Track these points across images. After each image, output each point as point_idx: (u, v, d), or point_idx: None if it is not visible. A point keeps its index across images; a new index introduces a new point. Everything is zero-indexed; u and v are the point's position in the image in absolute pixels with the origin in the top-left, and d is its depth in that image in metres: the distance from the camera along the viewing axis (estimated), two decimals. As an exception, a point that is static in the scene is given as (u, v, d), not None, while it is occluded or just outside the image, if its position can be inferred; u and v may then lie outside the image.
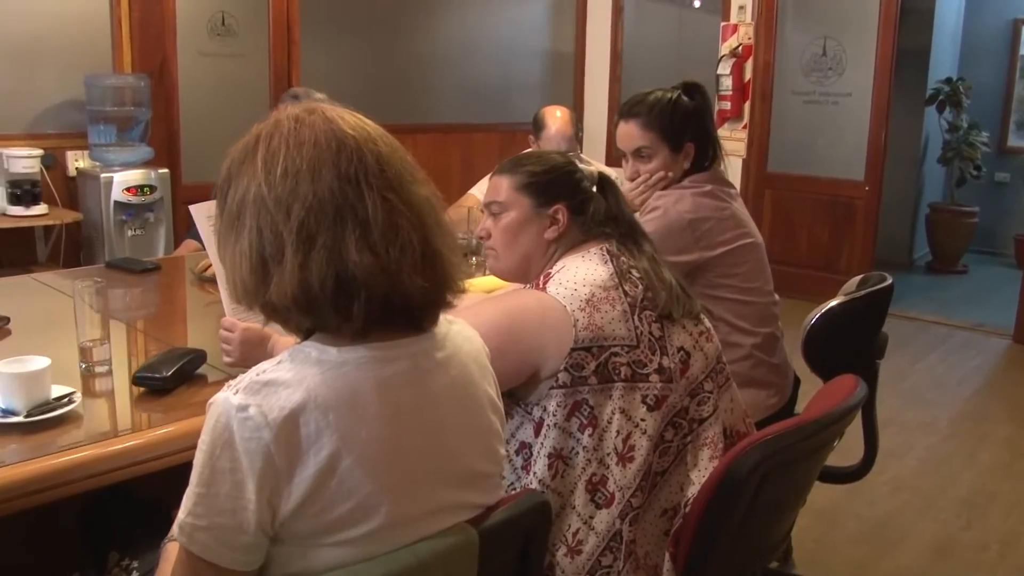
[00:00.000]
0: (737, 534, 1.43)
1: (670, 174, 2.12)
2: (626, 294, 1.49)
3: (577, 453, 1.46)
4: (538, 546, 1.21)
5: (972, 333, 5.07)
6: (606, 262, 1.53)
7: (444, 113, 5.68)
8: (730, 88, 5.63)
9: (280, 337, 1.67)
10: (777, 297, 2.18)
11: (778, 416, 2.13)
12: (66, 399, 1.47)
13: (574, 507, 1.45)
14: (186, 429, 1.45)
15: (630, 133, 2.09)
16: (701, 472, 1.50)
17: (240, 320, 1.67)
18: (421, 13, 5.55)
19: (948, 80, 6.72)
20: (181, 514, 0.97)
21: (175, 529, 0.98)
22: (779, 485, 1.46)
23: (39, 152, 3.82)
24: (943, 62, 6.98)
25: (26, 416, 1.40)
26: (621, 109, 2.14)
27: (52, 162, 4.08)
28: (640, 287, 1.51)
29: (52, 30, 4.06)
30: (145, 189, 3.99)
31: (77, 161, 4.17)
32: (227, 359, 1.67)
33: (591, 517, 1.45)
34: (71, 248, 4.15)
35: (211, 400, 0.97)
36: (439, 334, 1.06)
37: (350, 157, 0.97)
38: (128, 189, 3.94)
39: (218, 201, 1.06)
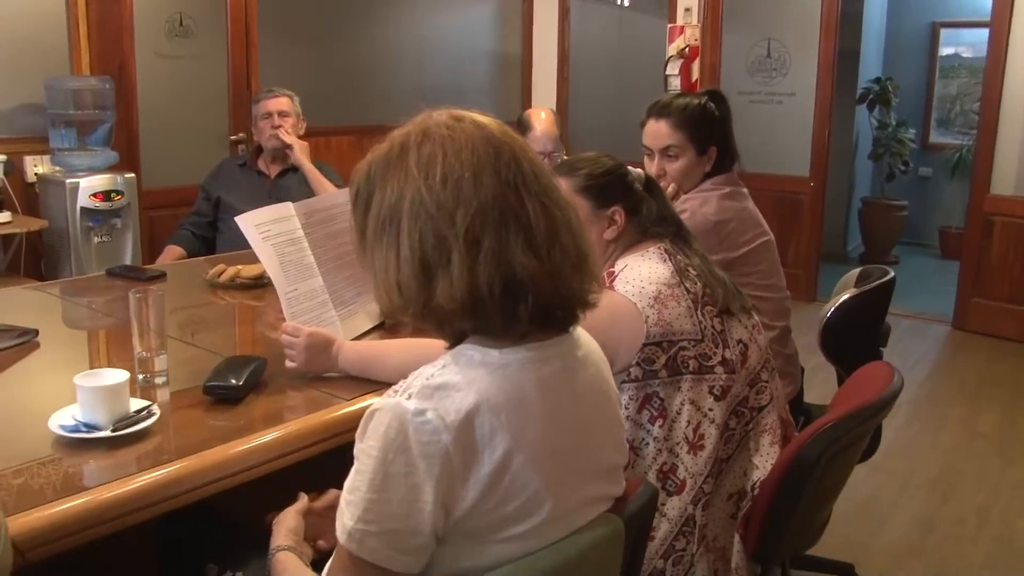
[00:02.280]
0: (803, 514, 1.52)
1: (671, 187, 2.22)
2: (688, 291, 1.57)
3: (647, 443, 1.54)
4: (645, 532, 1.27)
5: (914, 321, 5.34)
6: (665, 260, 1.61)
7: (398, 114, 5.60)
8: (679, 88, 5.77)
9: (344, 342, 1.70)
10: (788, 292, 2.29)
11: (792, 404, 2.25)
12: (145, 412, 1.46)
13: None
14: (275, 438, 1.45)
15: (660, 131, 2.18)
16: (763, 457, 1.59)
17: (302, 325, 1.68)
18: (376, 16, 5.54)
19: (877, 80, 7.05)
20: (347, 521, 0.99)
21: (341, 536, 1.00)
22: (836, 468, 1.57)
23: (2, 158, 3.69)
24: (870, 63, 7.30)
25: (113, 430, 1.39)
26: (651, 108, 2.22)
27: (10, 168, 3.94)
28: (699, 284, 1.59)
29: (6, 32, 3.92)
30: (112, 195, 3.88)
31: (36, 167, 4.03)
32: (291, 364, 1.68)
33: (662, 504, 1.53)
34: (31, 257, 4.02)
35: (376, 406, 1.00)
36: (576, 333, 1.11)
37: (508, 164, 1.01)
38: (95, 195, 3.83)
39: (357, 207, 1.08)
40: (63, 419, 1.42)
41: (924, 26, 7.67)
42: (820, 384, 3.10)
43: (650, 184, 1.73)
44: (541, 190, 1.02)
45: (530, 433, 1.00)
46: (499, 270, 0.98)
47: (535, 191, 1.02)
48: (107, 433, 1.39)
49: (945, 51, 7.70)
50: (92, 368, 1.51)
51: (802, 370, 2.38)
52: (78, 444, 1.38)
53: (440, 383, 0.99)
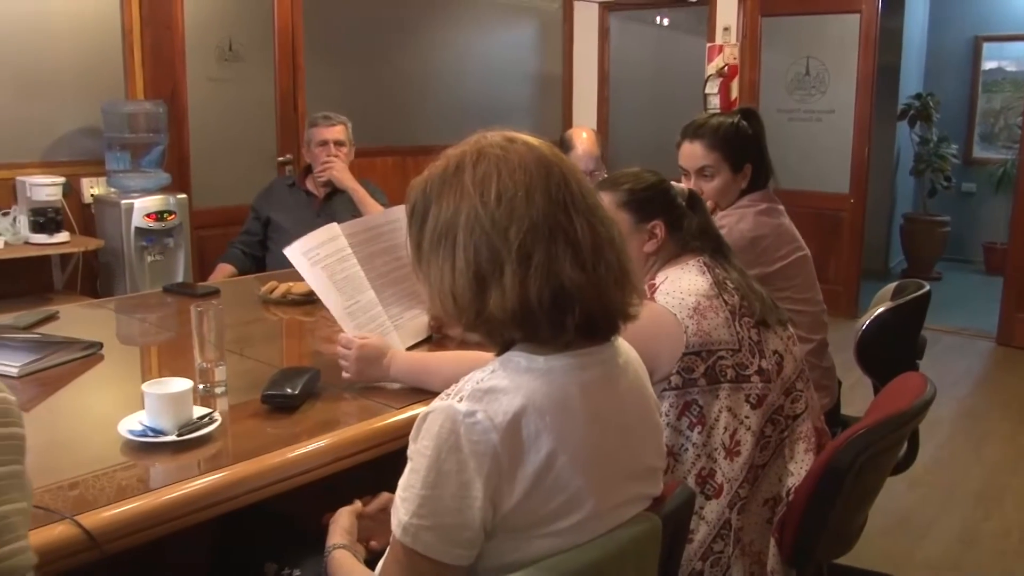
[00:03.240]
0: (838, 519, 1.56)
1: (708, 204, 2.27)
2: (726, 303, 1.62)
3: (686, 449, 1.59)
4: (682, 533, 1.33)
5: (956, 337, 5.31)
6: (704, 273, 1.66)
7: (441, 134, 5.76)
8: (718, 107, 5.81)
9: (397, 352, 1.77)
10: (825, 306, 2.33)
11: (829, 416, 2.28)
12: (207, 418, 1.54)
13: None
14: (328, 444, 1.53)
15: (695, 152, 2.24)
16: (798, 463, 1.63)
17: (356, 337, 1.76)
18: (418, 38, 5.68)
19: (918, 95, 7.02)
20: (403, 516, 1.05)
21: (396, 530, 1.07)
22: (869, 474, 1.60)
23: (61, 180, 3.84)
24: (911, 78, 7.28)
25: (178, 435, 1.48)
26: (685, 130, 2.28)
27: (68, 189, 4.09)
28: (736, 296, 1.64)
29: (65, 59, 4.09)
30: (165, 215, 4.02)
31: (92, 188, 4.19)
32: (346, 375, 1.75)
33: (701, 508, 1.58)
34: (87, 275, 4.17)
35: (429, 408, 1.07)
36: (616, 342, 1.17)
37: (558, 183, 1.08)
38: (148, 215, 3.97)
39: (413, 221, 1.15)
40: (131, 424, 1.51)
41: (966, 40, 7.63)
42: (860, 399, 3.10)
43: (693, 199, 1.78)
44: (587, 208, 1.09)
45: (573, 434, 1.06)
46: (548, 283, 1.05)
47: (582, 209, 1.09)
48: (173, 437, 1.48)
49: (988, 65, 7.65)
50: (153, 378, 1.60)
51: (839, 383, 2.41)
52: (145, 447, 1.47)
53: (489, 387, 1.05)
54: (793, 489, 1.61)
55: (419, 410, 1.59)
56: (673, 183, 1.79)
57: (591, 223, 1.08)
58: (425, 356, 1.83)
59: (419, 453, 1.06)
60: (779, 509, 1.62)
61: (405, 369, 1.73)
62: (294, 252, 1.84)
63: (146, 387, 1.51)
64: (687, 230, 1.72)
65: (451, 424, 1.03)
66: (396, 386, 1.75)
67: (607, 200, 1.72)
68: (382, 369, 1.73)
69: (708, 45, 5.90)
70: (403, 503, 1.06)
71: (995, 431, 3.85)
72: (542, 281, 1.05)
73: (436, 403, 1.07)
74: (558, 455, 1.05)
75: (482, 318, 1.08)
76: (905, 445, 2.35)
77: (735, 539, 1.57)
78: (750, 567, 1.58)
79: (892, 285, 2.45)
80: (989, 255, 7.29)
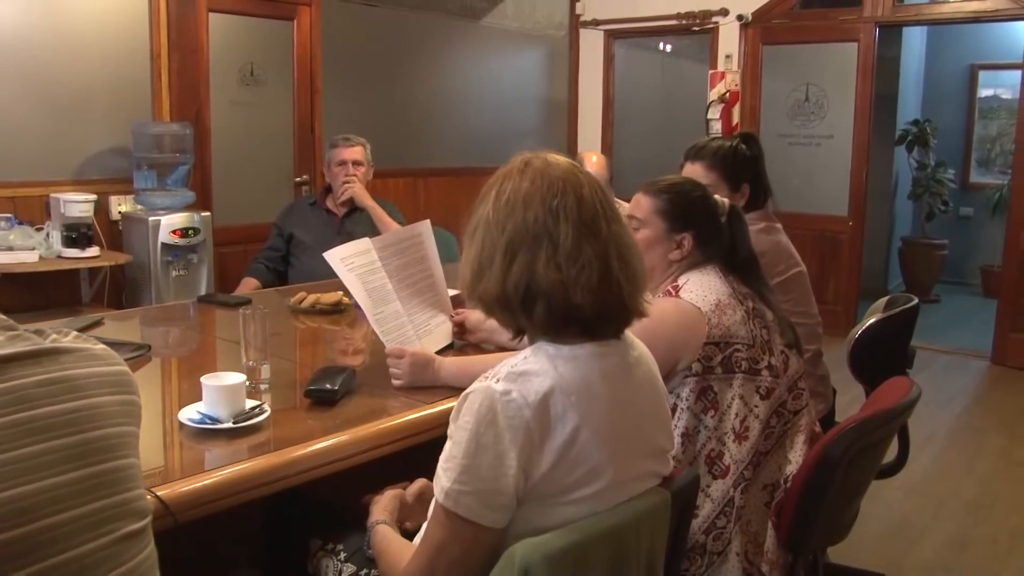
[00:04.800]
0: (830, 508, 1.71)
1: None
2: (741, 304, 1.79)
3: (699, 431, 1.75)
4: (689, 510, 1.48)
5: (953, 356, 5.45)
6: (721, 278, 1.83)
7: (452, 158, 5.98)
8: (720, 132, 6.00)
9: (443, 359, 1.93)
10: (820, 319, 2.48)
11: (824, 422, 2.43)
12: (257, 409, 1.70)
13: None
14: (366, 434, 1.68)
15: (695, 172, 2.40)
16: (797, 453, 1.79)
17: (404, 347, 1.92)
18: (431, 65, 5.88)
19: (916, 122, 7.21)
20: (445, 483, 1.21)
21: (439, 496, 1.22)
22: (859, 467, 1.76)
23: (93, 197, 4.02)
24: (909, 105, 7.48)
25: (234, 423, 1.64)
26: (688, 152, 2.45)
27: (97, 206, 4.26)
28: (749, 303, 1.81)
29: (96, 82, 4.28)
30: (190, 231, 4.19)
31: (120, 205, 4.37)
32: (397, 382, 1.91)
33: (708, 486, 1.73)
34: (113, 288, 4.33)
35: (469, 390, 1.23)
36: (628, 339, 1.33)
37: (555, 194, 1.25)
38: (174, 232, 4.14)
39: (471, 219, 1.35)
40: (190, 414, 1.66)
41: (962, 69, 7.84)
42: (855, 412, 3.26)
43: (733, 215, 1.91)
44: (581, 219, 1.25)
45: (595, 413, 1.22)
46: (523, 276, 1.24)
47: (572, 218, 1.25)
48: (229, 425, 1.63)
49: (984, 92, 7.85)
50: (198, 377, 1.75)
51: (834, 391, 2.56)
52: (204, 433, 1.63)
53: (523, 370, 1.22)
54: (791, 476, 1.76)
55: (446, 405, 1.77)
56: (717, 197, 1.92)
57: (580, 232, 1.24)
58: (472, 359, 1.98)
59: (461, 428, 1.21)
60: (777, 494, 1.77)
61: (455, 372, 1.89)
62: (333, 257, 1.99)
63: (205, 380, 1.67)
64: (717, 245, 1.86)
65: (489, 402, 1.19)
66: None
67: (645, 204, 1.88)
68: (432, 372, 1.89)
69: (710, 72, 6.10)
70: (445, 472, 1.22)
71: (988, 445, 4.00)
72: (519, 274, 1.23)
73: (475, 384, 1.23)
74: (581, 431, 1.20)
75: (480, 299, 1.28)
76: (897, 449, 2.51)
77: (737, 516, 1.72)
78: (746, 545, 1.72)
79: (884, 299, 2.61)
80: (986, 278, 7.44)
